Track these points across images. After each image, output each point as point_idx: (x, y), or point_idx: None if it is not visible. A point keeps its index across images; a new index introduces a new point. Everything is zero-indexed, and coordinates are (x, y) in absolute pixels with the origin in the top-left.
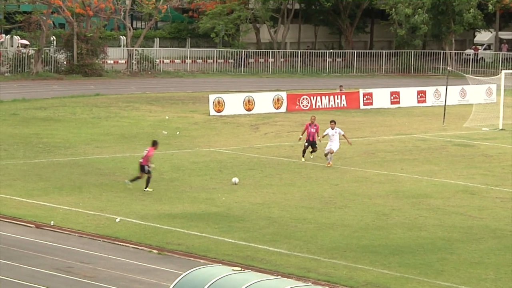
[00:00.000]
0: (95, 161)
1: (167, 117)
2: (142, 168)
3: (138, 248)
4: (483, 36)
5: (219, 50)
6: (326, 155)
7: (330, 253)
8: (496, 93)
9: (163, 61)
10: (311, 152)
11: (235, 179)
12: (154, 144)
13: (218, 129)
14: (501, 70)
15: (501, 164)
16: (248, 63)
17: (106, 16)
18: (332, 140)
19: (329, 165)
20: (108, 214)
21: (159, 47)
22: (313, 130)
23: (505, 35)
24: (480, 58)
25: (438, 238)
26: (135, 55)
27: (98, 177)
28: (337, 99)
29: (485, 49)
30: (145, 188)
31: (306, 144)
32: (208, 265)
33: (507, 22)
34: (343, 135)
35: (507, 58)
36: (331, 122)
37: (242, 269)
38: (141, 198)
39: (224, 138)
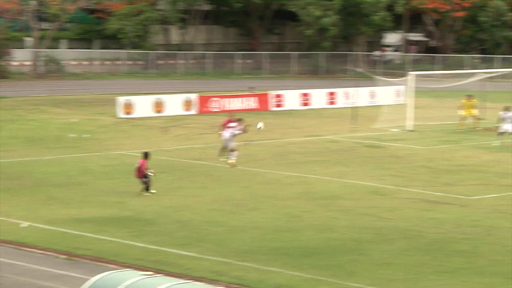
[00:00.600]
0: (1, 165)
1: (74, 120)
2: (141, 179)
3: (45, 254)
4: (392, 38)
5: (128, 52)
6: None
7: (241, 256)
8: (404, 94)
9: (70, 63)
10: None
11: (261, 124)
12: (146, 156)
13: (127, 131)
14: (409, 71)
15: (410, 165)
16: (158, 64)
17: (11, 17)
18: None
19: (229, 163)
20: (14, 219)
21: (67, 48)
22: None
23: (413, 36)
24: (389, 60)
25: (349, 239)
26: (42, 56)
27: (4, 181)
28: (248, 100)
29: (394, 50)
30: (149, 190)
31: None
32: (118, 270)
33: (415, 24)
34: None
35: (415, 60)
36: (237, 120)
37: (153, 274)
38: (48, 203)
39: (134, 141)
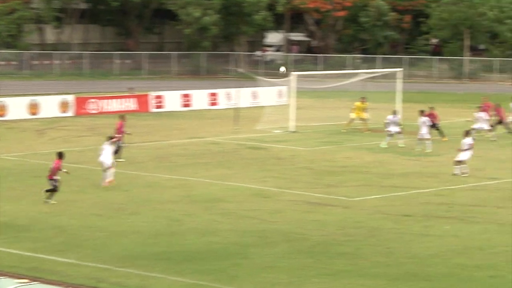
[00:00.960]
0: None
1: None
2: (51, 181)
3: None
4: (274, 38)
5: (1, 52)
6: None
7: (122, 262)
8: (287, 94)
9: None
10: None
11: (283, 68)
12: (61, 156)
13: (0, 134)
14: (291, 71)
15: (293, 167)
16: (32, 65)
17: None
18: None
19: (108, 183)
20: None
21: None
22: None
23: (295, 36)
24: (271, 60)
25: (231, 243)
26: None
27: None
28: (127, 102)
29: (276, 50)
30: (47, 198)
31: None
32: None
33: (297, 23)
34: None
35: (297, 60)
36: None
37: (29, 281)
38: None
39: (8, 144)
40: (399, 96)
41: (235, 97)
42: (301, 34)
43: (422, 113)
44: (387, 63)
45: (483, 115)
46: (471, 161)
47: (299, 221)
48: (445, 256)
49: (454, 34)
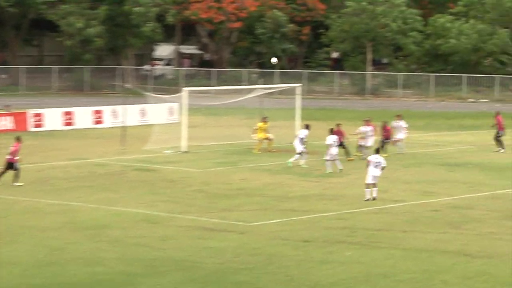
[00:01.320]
0: None
1: None
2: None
3: None
4: (164, 51)
5: None
6: None
7: None
8: (178, 112)
9: None
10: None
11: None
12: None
13: None
14: (183, 87)
15: (185, 190)
16: None
17: None
18: None
19: None
20: None
21: None
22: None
23: (186, 49)
24: (160, 74)
25: (118, 273)
26: None
27: None
28: (3, 120)
29: (166, 64)
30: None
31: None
32: None
33: (188, 35)
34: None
35: (189, 74)
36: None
37: None
38: None
39: None
40: (298, 113)
41: (122, 114)
42: (193, 46)
43: (331, 131)
44: (285, 78)
45: (369, 129)
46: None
47: (192, 248)
48: (348, 284)
49: (355, 47)
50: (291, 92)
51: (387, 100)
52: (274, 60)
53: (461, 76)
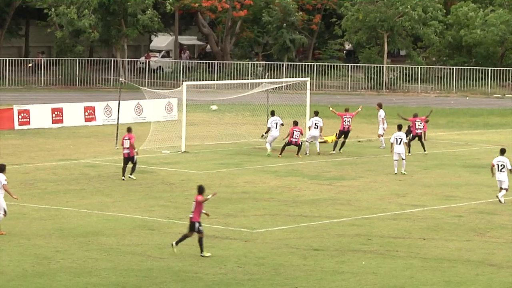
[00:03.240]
0: None
1: None
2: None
3: None
4: (161, 41)
5: None
6: None
7: None
8: (177, 108)
9: None
10: None
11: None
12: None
13: None
14: (183, 81)
15: (184, 193)
16: None
17: None
18: None
19: None
20: None
21: None
22: None
23: (185, 40)
24: (157, 67)
25: (112, 284)
26: None
27: None
28: None
29: (163, 56)
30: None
31: None
32: None
33: (188, 25)
34: None
35: (188, 67)
36: None
37: None
38: None
39: None
40: (307, 110)
41: (116, 111)
42: (194, 37)
43: (316, 113)
44: (294, 72)
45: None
46: (391, 185)
47: (192, 257)
48: None
49: (371, 37)
50: (300, 87)
51: (405, 96)
52: (214, 107)
53: (486, 69)
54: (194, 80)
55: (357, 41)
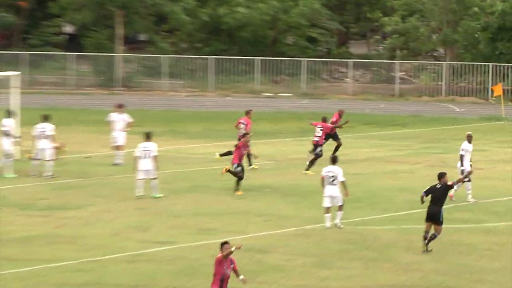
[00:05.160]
0: None
1: None
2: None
3: None
4: None
5: None
6: None
7: None
8: None
9: None
10: None
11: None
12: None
13: None
14: None
15: None
16: None
17: None
18: None
19: None
20: None
21: None
22: None
23: None
24: None
25: None
26: None
27: None
28: None
29: None
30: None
31: None
32: None
33: None
34: None
35: None
36: None
37: None
38: None
39: None
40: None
41: None
42: None
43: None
44: None
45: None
46: (129, 215)
47: None
48: None
49: (99, 17)
50: (4, 83)
51: (148, 96)
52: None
53: (253, 60)
54: None
55: (81, 22)
